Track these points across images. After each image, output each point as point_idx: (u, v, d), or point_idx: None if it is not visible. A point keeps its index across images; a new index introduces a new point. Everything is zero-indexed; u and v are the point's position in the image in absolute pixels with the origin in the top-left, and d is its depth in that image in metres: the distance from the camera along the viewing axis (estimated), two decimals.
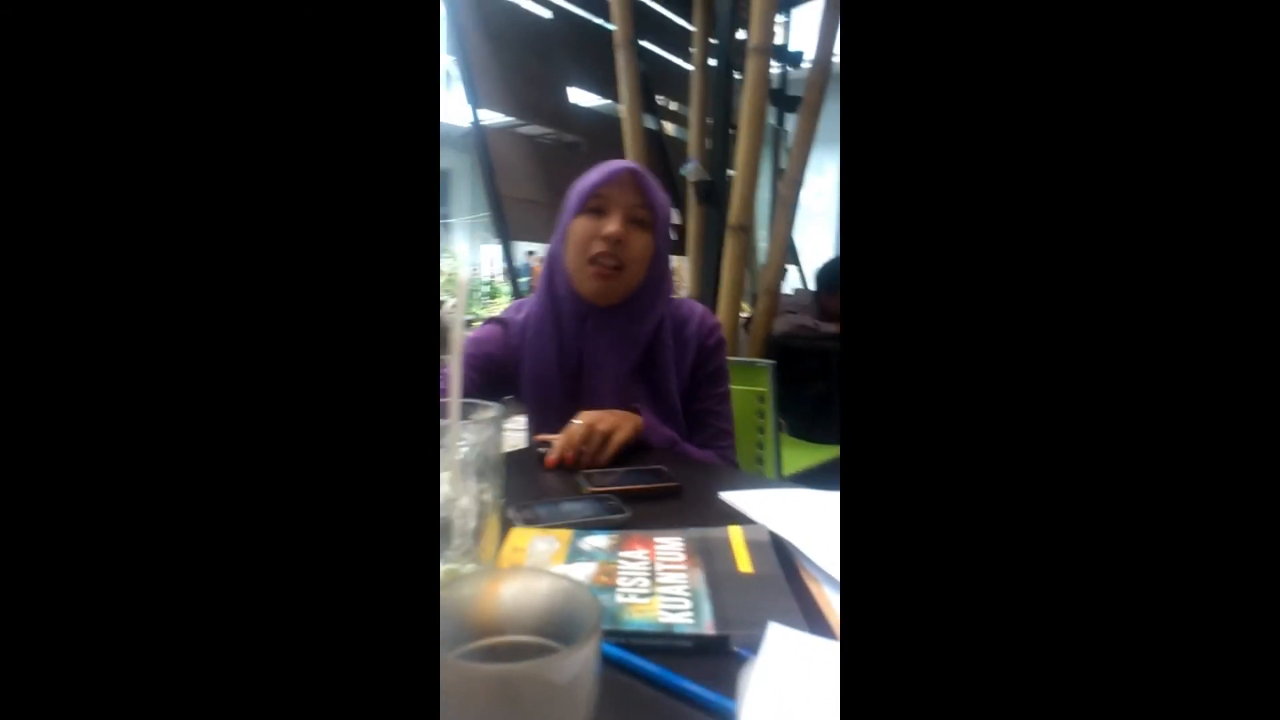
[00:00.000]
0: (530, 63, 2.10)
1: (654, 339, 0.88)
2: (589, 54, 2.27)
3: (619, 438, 0.78)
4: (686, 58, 2.46)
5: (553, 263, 0.89)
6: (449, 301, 0.44)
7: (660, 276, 0.89)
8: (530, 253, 9.23)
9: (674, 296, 0.95)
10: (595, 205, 0.83)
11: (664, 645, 0.39)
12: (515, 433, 0.96)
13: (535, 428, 0.92)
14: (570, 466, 0.74)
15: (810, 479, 1.79)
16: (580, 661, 0.25)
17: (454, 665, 0.25)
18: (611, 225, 0.82)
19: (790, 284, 3.01)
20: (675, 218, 1.82)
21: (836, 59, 2.09)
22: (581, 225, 0.83)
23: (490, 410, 0.43)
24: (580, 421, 0.76)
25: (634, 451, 0.82)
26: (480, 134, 1.87)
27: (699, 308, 0.95)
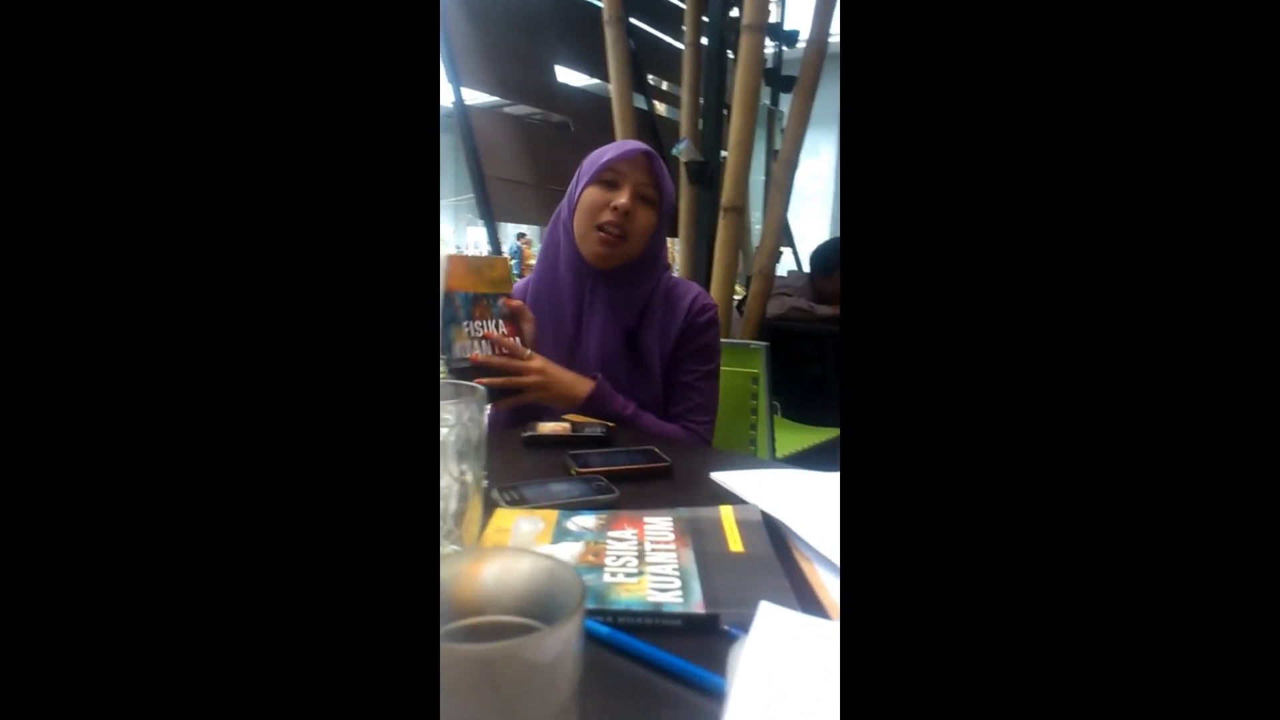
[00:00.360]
0: (515, 41, 2.06)
1: (646, 305, 0.94)
2: (577, 32, 2.23)
3: (531, 395, 0.83)
4: (678, 35, 2.42)
5: (560, 226, 0.95)
6: None
7: (658, 251, 0.95)
8: (521, 235, 9.17)
9: (673, 276, 1.00)
10: (608, 178, 0.89)
11: (653, 624, 0.38)
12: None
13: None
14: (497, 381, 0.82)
15: (804, 460, 1.79)
16: (561, 640, 0.25)
17: None
18: (621, 198, 0.88)
19: (784, 266, 3.00)
20: None
21: (833, 38, 2.06)
22: (593, 194, 0.89)
23: (473, 391, 0.42)
24: (532, 360, 0.83)
25: (619, 432, 0.81)
26: (463, 114, 1.84)
27: (697, 288, 0.99)
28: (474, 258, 0.85)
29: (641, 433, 0.87)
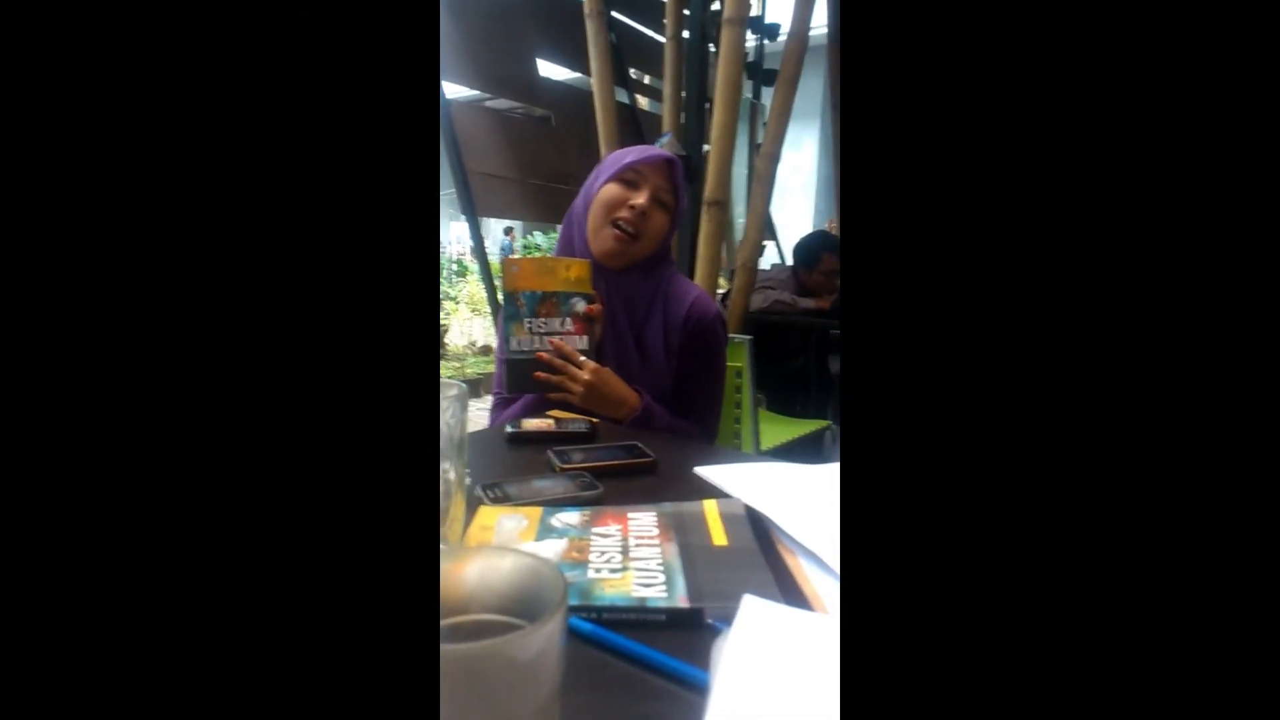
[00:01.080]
0: (496, 34, 2.04)
1: (651, 299, 0.96)
2: (558, 25, 2.21)
3: (575, 399, 0.84)
4: (660, 29, 2.41)
5: (573, 222, 0.98)
6: None
7: (665, 252, 0.99)
8: (508, 229, 9.13)
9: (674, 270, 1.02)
10: (630, 178, 0.92)
11: (637, 619, 0.39)
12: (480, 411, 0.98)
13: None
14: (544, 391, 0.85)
15: (789, 453, 1.80)
16: (544, 638, 0.25)
17: None
18: (640, 198, 0.90)
19: (768, 259, 3.01)
20: None
21: (814, 32, 2.06)
22: (612, 191, 0.92)
23: (452, 388, 0.42)
24: (586, 368, 0.85)
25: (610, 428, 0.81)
26: (444, 108, 1.82)
27: (696, 290, 1.00)
28: (549, 259, 0.89)
29: (667, 430, 0.90)
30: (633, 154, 0.93)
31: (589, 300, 0.86)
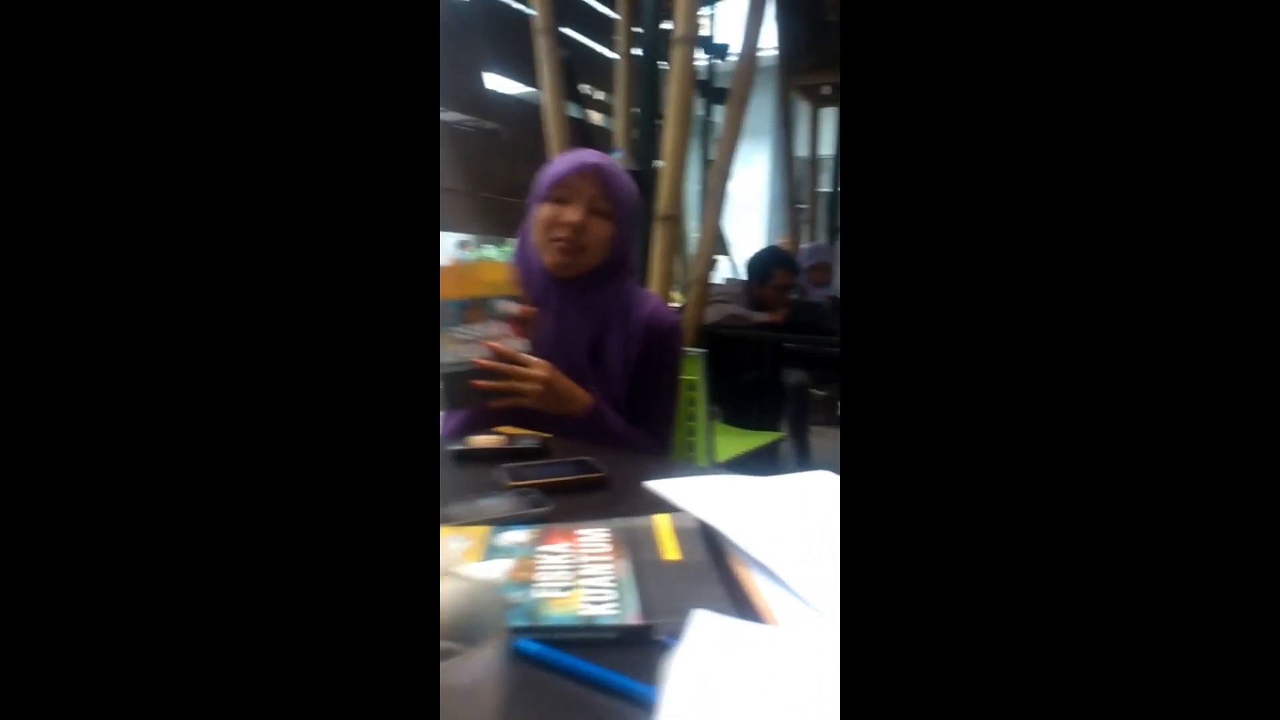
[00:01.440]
0: (445, 48, 2.02)
1: (609, 311, 0.93)
2: (507, 39, 2.21)
3: (529, 400, 0.81)
4: (611, 45, 2.43)
5: (523, 240, 0.95)
6: None
7: (621, 257, 0.94)
8: (463, 243, 8.99)
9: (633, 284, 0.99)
10: (561, 195, 0.89)
11: (586, 638, 0.38)
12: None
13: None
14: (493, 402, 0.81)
15: (744, 465, 1.82)
16: (482, 664, 0.24)
17: None
18: (572, 214, 0.87)
19: (721, 274, 3.05)
20: None
21: (763, 52, 2.11)
22: (546, 211, 0.89)
23: None
24: (538, 365, 0.81)
25: (563, 438, 0.80)
26: None
27: (655, 300, 0.98)
28: (464, 264, 0.86)
29: (626, 446, 0.88)
30: (560, 166, 0.90)
31: (517, 301, 0.82)
